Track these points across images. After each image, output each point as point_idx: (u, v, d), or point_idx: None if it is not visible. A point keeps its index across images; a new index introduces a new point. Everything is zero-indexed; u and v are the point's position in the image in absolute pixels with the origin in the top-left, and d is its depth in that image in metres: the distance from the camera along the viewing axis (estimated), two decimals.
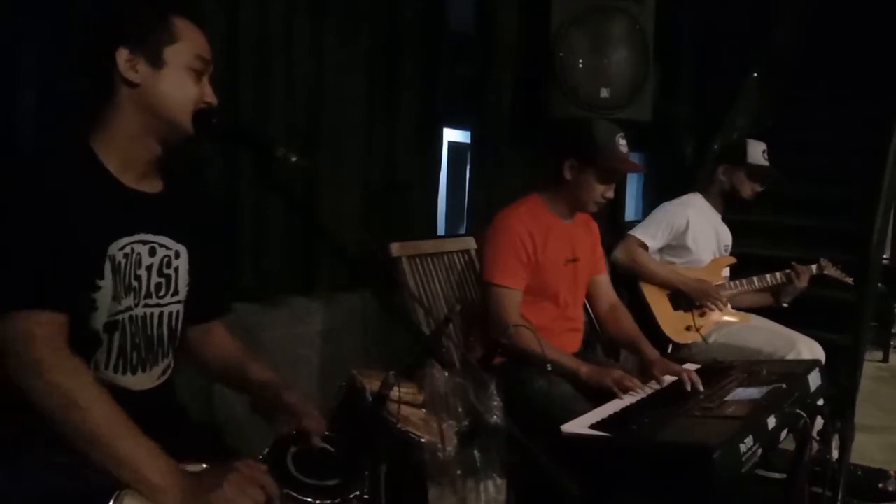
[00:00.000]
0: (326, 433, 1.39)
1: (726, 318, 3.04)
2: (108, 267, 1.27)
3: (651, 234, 2.98)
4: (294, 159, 1.24)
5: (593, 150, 2.30)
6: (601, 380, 2.14)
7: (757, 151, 3.08)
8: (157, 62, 1.29)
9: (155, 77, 1.30)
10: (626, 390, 2.09)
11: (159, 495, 1.11)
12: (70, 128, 1.39)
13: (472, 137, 3.58)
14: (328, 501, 1.26)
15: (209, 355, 1.56)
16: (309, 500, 1.24)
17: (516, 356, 2.16)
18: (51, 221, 1.20)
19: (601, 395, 2.10)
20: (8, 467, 1.20)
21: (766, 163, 3.08)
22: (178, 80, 1.31)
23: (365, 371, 1.61)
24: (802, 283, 3.10)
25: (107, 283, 1.27)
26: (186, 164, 1.47)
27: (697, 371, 2.38)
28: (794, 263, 3.13)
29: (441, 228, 3.85)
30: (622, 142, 2.34)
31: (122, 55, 1.27)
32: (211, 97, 1.35)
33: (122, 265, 1.30)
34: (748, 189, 3.07)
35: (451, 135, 5.71)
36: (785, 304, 3.17)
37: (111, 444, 1.12)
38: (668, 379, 2.20)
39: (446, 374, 1.41)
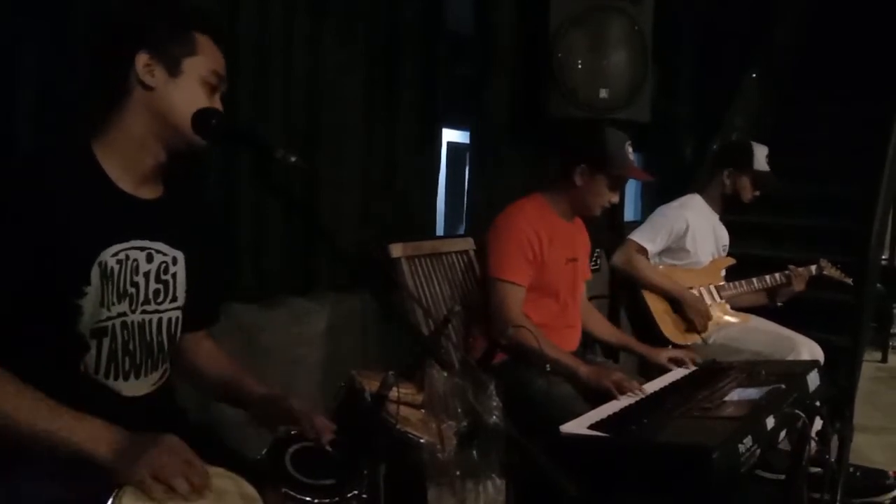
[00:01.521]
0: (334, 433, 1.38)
1: (726, 318, 3.05)
2: (95, 273, 1.26)
3: (650, 238, 2.98)
4: (293, 160, 1.24)
5: (606, 157, 2.33)
6: (600, 380, 2.15)
7: (762, 157, 3.08)
8: (174, 70, 1.31)
9: (170, 84, 1.31)
10: (624, 392, 2.10)
11: (93, 456, 1.14)
12: (71, 130, 1.39)
13: (472, 138, 3.57)
14: (326, 500, 1.26)
15: (201, 365, 1.55)
16: (307, 499, 1.24)
17: (516, 354, 2.17)
18: (38, 225, 1.20)
19: (600, 396, 2.11)
20: (7, 475, 1.19)
21: (768, 168, 3.09)
22: (191, 91, 1.33)
23: (364, 371, 1.61)
24: (800, 284, 3.11)
25: (93, 289, 1.26)
26: (190, 171, 1.47)
27: (697, 371, 2.39)
28: (791, 266, 3.14)
29: (440, 229, 3.84)
30: (630, 150, 2.37)
31: (142, 59, 1.29)
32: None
33: (115, 271, 1.29)
34: (749, 194, 3.10)
35: (450, 135, 5.70)
36: (780, 304, 3.18)
37: (31, 424, 1.14)
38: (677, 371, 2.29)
39: (445, 374, 1.42)
